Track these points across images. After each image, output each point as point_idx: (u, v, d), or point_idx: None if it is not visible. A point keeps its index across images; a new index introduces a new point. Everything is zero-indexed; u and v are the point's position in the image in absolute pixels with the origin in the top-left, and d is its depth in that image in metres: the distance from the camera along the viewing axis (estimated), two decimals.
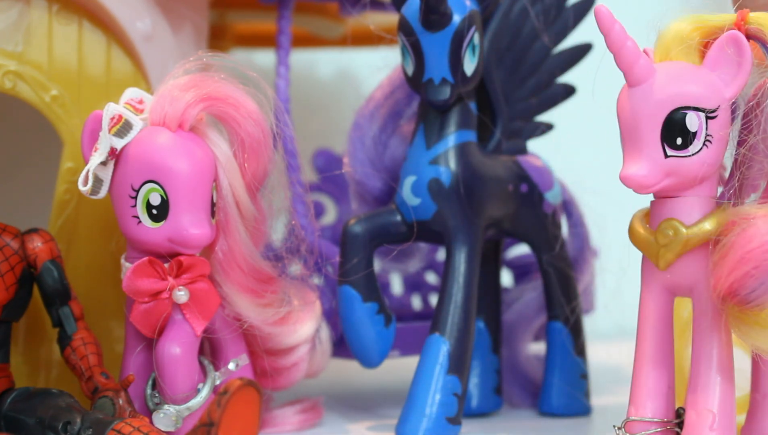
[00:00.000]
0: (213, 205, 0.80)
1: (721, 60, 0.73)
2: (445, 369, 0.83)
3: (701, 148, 0.72)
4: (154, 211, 0.78)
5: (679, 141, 0.72)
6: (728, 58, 0.72)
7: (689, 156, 0.72)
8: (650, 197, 0.75)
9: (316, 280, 0.93)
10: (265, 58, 1.18)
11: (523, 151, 0.93)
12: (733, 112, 0.74)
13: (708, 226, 0.72)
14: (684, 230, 0.73)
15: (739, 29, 0.73)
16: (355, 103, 0.94)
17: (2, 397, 0.78)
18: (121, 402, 0.77)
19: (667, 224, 0.74)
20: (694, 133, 0.72)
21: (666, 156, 0.72)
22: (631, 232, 0.76)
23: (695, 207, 0.73)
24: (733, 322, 0.71)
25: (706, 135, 0.72)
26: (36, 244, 0.79)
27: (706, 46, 0.74)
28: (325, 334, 0.89)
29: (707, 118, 0.72)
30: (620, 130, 0.73)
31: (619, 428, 0.75)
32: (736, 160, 0.74)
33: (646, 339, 0.75)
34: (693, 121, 0.72)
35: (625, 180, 0.72)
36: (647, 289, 0.76)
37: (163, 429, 0.79)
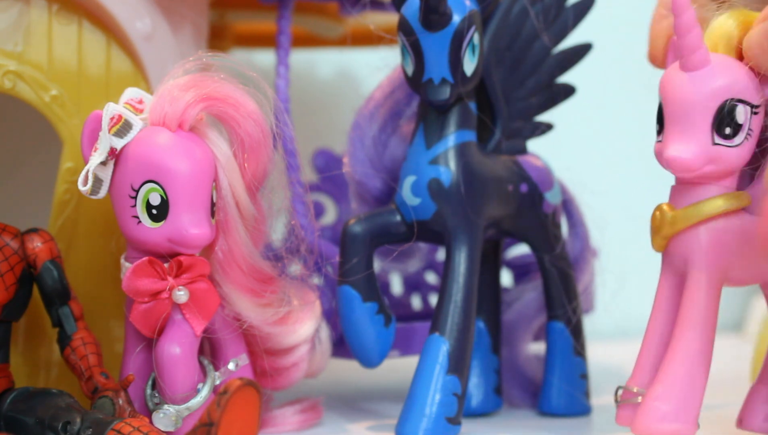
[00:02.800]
0: (213, 205, 0.80)
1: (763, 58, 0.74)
2: (445, 369, 0.83)
3: (743, 141, 0.74)
4: (154, 211, 0.78)
5: (728, 130, 0.74)
6: None
7: (734, 146, 0.74)
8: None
9: (316, 280, 0.93)
10: (265, 58, 1.18)
11: (523, 151, 0.93)
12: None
13: (708, 207, 0.74)
14: (670, 213, 0.75)
15: None
16: (355, 103, 0.94)
17: (2, 397, 0.78)
18: (120, 402, 0.77)
19: (658, 208, 0.76)
20: (741, 125, 0.74)
21: (714, 143, 0.74)
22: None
23: (698, 192, 0.75)
24: None
25: (749, 129, 0.74)
26: (36, 244, 0.79)
27: None
28: (325, 334, 0.89)
29: (753, 112, 0.74)
30: (667, 112, 0.75)
31: (616, 394, 0.78)
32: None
33: (654, 316, 0.78)
34: (742, 113, 0.74)
35: (671, 161, 0.74)
36: (662, 270, 0.78)
37: (162, 429, 0.78)
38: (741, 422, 0.79)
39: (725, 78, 0.74)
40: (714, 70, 0.74)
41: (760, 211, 0.70)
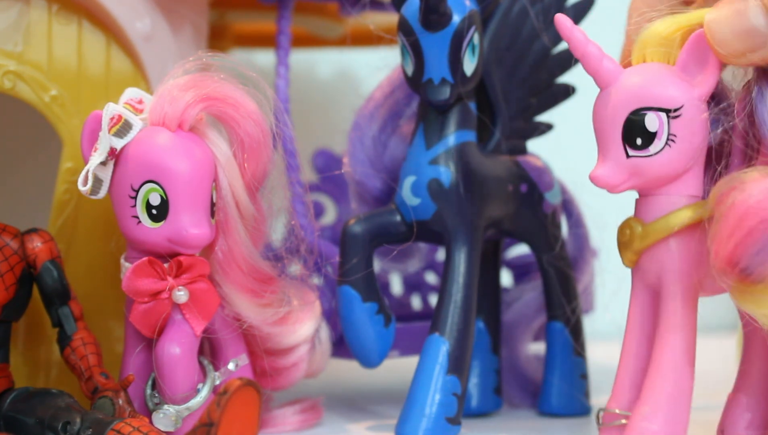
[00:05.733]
0: (213, 205, 0.80)
1: (690, 58, 0.73)
2: (444, 369, 0.83)
3: (663, 148, 0.73)
4: (154, 211, 0.78)
5: (639, 141, 0.73)
6: (697, 56, 0.73)
7: (650, 156, 0.73)
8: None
9: (316, 280, 0.93)
10: (265, 58, 1.18)
11: (523, 151, 0.93)
12: (717, 106, 0.74)
13: (676, 219, 0.73)
14: (639, 228, 0.74)
15: None
16: (355, 103, 0.94)
17: (2, 397, 0.78)
18: (120, 402, 0.77)
19: (626, 224, 0.75)
20: (654, 133, 0.72)
21: (628, 156, 0.73)
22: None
23: (662, 205, 0.74)
24: (737, 296, 0.69)
25: (669, 134, 0.73)
26: (35, 244, 0.79)
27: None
28: (325, 334, 0.89)
29: (669, 117, 0.73)
30: (594, 132, 0.75)
31: (598, 417, 0.77)
32: (717, 152, 0.74)
33: (628, 335, 0.76)
34: (653, 121, 0.73)
35: (592, 180, 0.74)
36: (633, 286, 0.76)
37: (162, 429, 0.78)
38: (723, 432, 0.78)
39: (631, 89, 0.73)
40: (621, 84, 0.73)
41: (712, 235, 0.69)
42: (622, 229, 0.75)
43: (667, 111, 0.73)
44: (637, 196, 0.76)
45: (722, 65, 0.73)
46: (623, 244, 0.75)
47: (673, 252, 0.73)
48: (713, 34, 0.72)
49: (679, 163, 0.73)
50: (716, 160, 0.74)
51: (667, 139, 0.73)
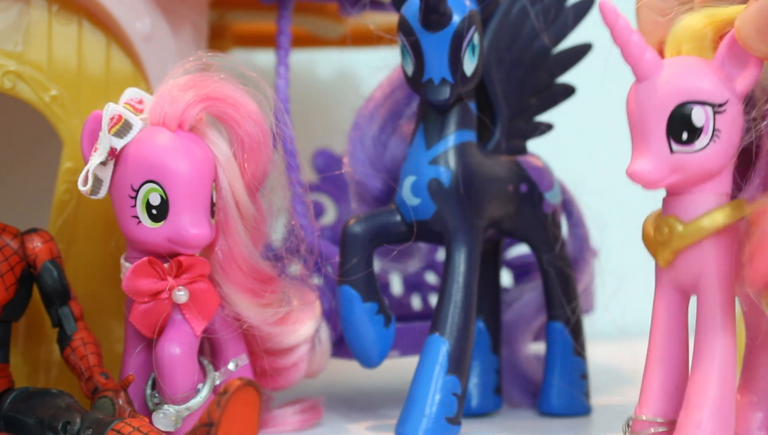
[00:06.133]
0: (213, 205, 0.80)
1: (731, 54, 0.72)
2: (444, 369, 0.83)
3: (708, 144, 0.71)
4: (154, 211, 0.78)
5: (685, 136, 0.71)
6: (738, 51, 0.72)
7: (696, 151, 0.71)
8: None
9: (316, 280, 0.93)
10: (265, 58, 1.18)
11: (523, 151, 0.93)
12: (747, 104, 0.73)
13: (716, 219, 0.71)
14: (680, 227, 0.72)
15: None
16: (355, 103, 0.94)
17: (2, 397, 0.78)
18: (120, 402, 0.77)
19: (664, 222, 0.73)
20: (701, 128, 0.71)
21: (672, 151, 0.71)
22: (642, 233, 0.75)
23: (699, 203, 0.72)
24: None
25: (714, 130, 0.71)
26: (35, 244, 0.79)
27: (721, 39, 0.73)
28: (325, 334, 0.89)
29: (715, 112, 0.71)
30: (629, 126, 0.73)
31: (627, 426, 0.75)
32: (757, 152, 0.73)
33: (655, 338, 0.75)
34: (699, 115, 0.71)
35: (631, 176, 0.72)
36: (659, 287, 0.75)
37: (162, 429, 0.78)
38: (735, 433, 0.78)
39: (677, 82, 0.71)
40: (665, 75, 0.71)
41: (748, 254, 0.68)
42: (659, 228, 0.73)
43: (713, 105, 0.71)
44: (663, 194, 0.75)
45: (761, 63, 0.71)
46: (661, 243, 0.73)
47: (713, 251, 0.72)
48: (740, 33, 0.71)
49: (722, 160, 0.72)
50: (747, 159, 0.73)
51: (713, 134, 0.71)
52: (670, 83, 0.71)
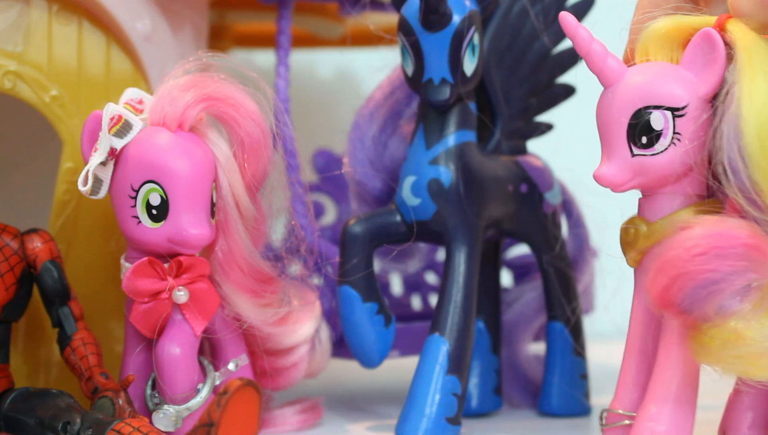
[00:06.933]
0: (213, 205, 0.80)
1: (695, 57, 0.73)
2: (444, 369, 0.83)
3: (668, 147, 0.72)
4: (154, 212, 0.78)
5: (644, 140, 0.72)
6: (702, 55, 0.73)
7: (655, 154, 0.72)
8: None
9: (316, 280, 0.93)
10: (265, 58, 1.18)
11: (523, 151, 0.93)
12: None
13: (677, 220, 0.72)
14: (644, 227, 0.74)
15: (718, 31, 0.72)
16: (355, 103, 0.94)
17: (2, 397, 0.78)
18: (120, 402, 0.77)
19: (631, 222, 0.75)
20: (660, 132, 0.72)
21: (633, 155, 0.73)
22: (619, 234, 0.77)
23: (665, 204, 0.74)
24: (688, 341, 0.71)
25: (674, 133, 0.72)
26: (36, 244, 0.79)
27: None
28: (325, 334, 0.89)
29: (674, 116, 0.72)
30: (597, 131, 0.75)
31: (602, 419, 0.76)
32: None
33: (631, 335, 0.76)
34: (658, 119, 0.72)
35: (596, 179, 0.74)
36: (636, 286, 0.76)
37: (162, 429, 0.78)
38: (725, 432, 0.77)
39: (636, 87, 0.72)
40: (626, 82, 0.73)
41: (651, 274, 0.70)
42: (626, 229, 0.75)
43: (672, 110, 0.72)
44: (640, 196, 0.76)
45: (727, 64, 0.72)
46: (627, 244, 0.75)
47: None
48: (737, 6, 0.72)
49: (684, 162, 0.73)
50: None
51: (672, 137, 0.72)
52: (630, 89, 0.73)
